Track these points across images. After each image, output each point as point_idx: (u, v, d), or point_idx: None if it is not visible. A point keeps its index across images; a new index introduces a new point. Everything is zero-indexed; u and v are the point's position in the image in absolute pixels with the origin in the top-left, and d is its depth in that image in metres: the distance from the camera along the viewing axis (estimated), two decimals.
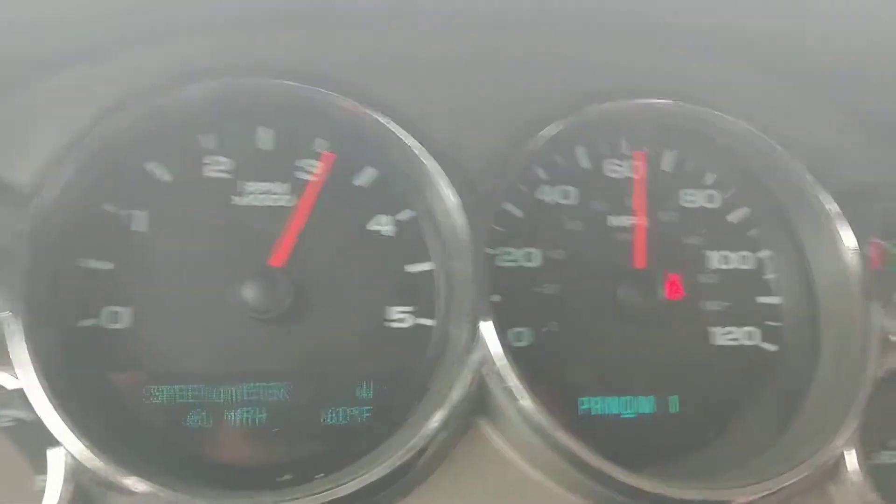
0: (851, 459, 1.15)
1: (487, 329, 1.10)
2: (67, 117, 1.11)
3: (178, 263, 1.16)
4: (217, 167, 1.20)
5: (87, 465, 0.98)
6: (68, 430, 0.98)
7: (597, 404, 1.24)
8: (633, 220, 1.28)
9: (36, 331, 1.03)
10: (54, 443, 0.99)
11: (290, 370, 1.16)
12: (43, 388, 0.99)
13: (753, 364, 1.29)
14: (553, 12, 1.23)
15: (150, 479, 0.98)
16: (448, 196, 1.15)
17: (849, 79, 1.25)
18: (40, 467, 1.03)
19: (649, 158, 1.32)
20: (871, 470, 1.17)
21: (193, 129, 1.19)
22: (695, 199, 1.32)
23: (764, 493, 1.10)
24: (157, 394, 1.12)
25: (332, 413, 1.16)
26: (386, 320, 1.19)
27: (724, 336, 1.29)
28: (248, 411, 1.14)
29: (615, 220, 1.29)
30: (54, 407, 0.99)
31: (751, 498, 1.10)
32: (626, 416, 1.24)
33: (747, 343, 1.29)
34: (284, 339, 1.16)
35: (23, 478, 1.06)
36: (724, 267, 1.31)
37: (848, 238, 1.24)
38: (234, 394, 1.14)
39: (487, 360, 1.09)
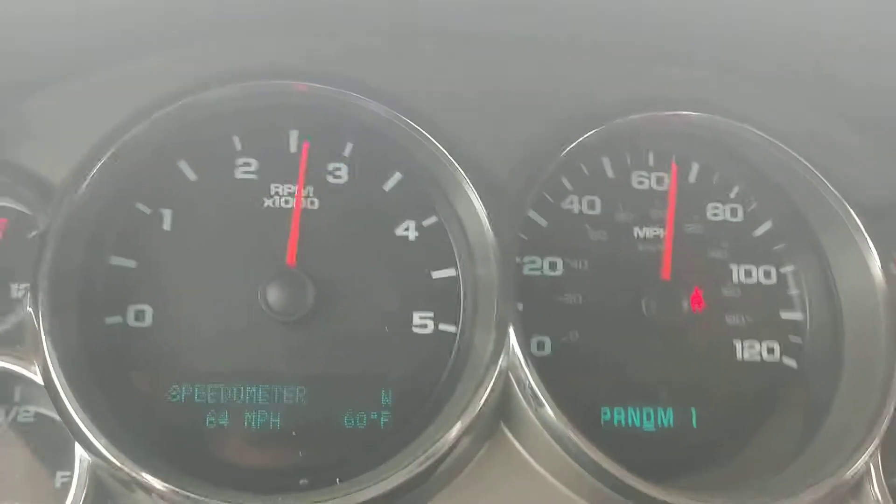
0: (874, 477, 1.14)
1: (512, 337, 1.10)
2: (103, 115, 1.12)
3: (204, 263, 1.17)
4: (247, 169, 1.20)
5: (108, 462, 0.98)
6: (89, 428, 0.98)
7: (618, 415, 1.23)
8: (659, 232, 1.28)
9: (59, 327, 1.03)
10: (75, 439, 0.99)
11: (312, 373, 1.16)
12: (64, 384, 1.00)
13: (774, 379, 1.29)
14: (582, 25, 1.23)
15: (169, 479, 0.98)
16: (474, 203, 1.15)
17: (876, 95, 1.24)
18: (60, 463, 1.04)
19: (677, 170, 1.32)
20: (893, 488, 1.17)
21: (228, 130, 1.20)
22: (719, 212, 1.32)
23: None
24: (177, 393, 1.13)
25: (351, 417, 1.16)
26: (410, 325, 1.19)
27: (746, 350, 1.28)
28: (267, 413, 1.14)
29: (640, 232, 1.29)
30: (75, 404, 0.99)
31: None
32: (647, 428, 1.24)
33: (769, 358, 1.29)
34: (307, 342, 1.17)
35: (42, 474, 1.07)
36: (747, 281, 1.31)
37: (874, 255, 1.23)
38: (254, 395, 1.14)
39: (511, 367, 1.09)
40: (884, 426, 1.14)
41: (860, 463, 1.12)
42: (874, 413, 1.15)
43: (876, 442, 1.13)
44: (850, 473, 1.12)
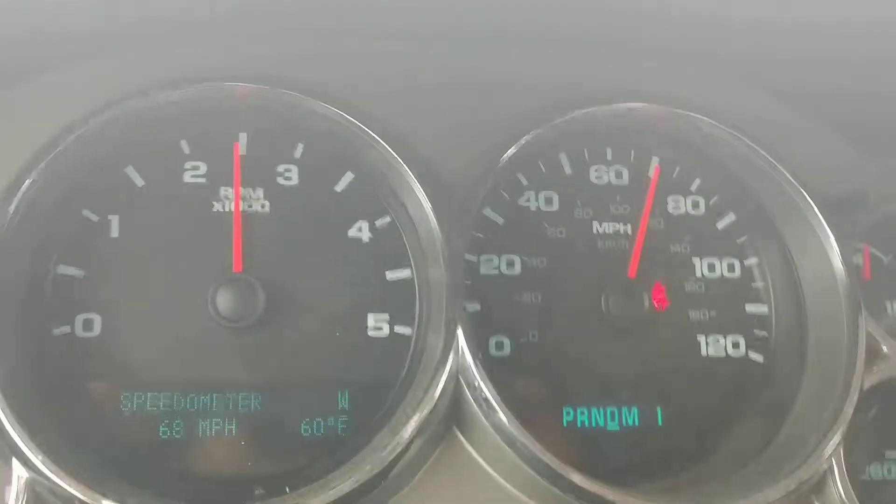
0: (837, 473, 1.12)
1: (461, 337, 1.07)
2: (45, 121, 1.10)
3: (153, 270, 1.15)
4: (196, 172, 1.19)
5: (44, 478, 0.96)
6: (25, 443, 0.96)
7: (581, 415, 1.21)
8: (619, 227, 1.27)
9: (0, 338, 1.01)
10: (12, 454, 0.97)
11: (267, 379, 1.14)
12: (2, 398, 0.98)
13: (740, 375, 1.26)
14: (534, 23, 1.21)
15: (112, 496, 0.96)
16: (423, 202, 1.13)
17: (834, 87, 1.24)
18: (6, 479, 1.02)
19: (634, 164, 1.30)
20: (858, 485, 1.15)
21: (175, 134, 1.19)
22: (681, 205, 1.30)
23: None
24: (127, 403, 1.10)
25: (308, 424, 1.13)
26: (365, 328, 1.17)
27: (711, 346, 1.26)
28: (221, 421, 1.12)
29: (599, 227, 1.27)
30: (10, 417, 0.97)
31: None
32: (611, 428, 1.21)
33: (734, 353, 1.26)
34: (260, 348, 1.14)
35: None
36: (710, 275, 1.29)
37: (834, 245, 1.21)
38: (207, 403, 1.12)
39: (461, 369, 1.07)
40: (847, 422, 1.12)
41: (823, 459, 1.10)
42: (837, 408, 1.13)
43: (838, 437, 1.11)
44: (812, 470, 1.10)
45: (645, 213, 1.26)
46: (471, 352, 1.07)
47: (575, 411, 1.21)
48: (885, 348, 1.20)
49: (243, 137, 1.20)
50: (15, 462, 0.97)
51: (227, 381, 1.13)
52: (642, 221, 1.26)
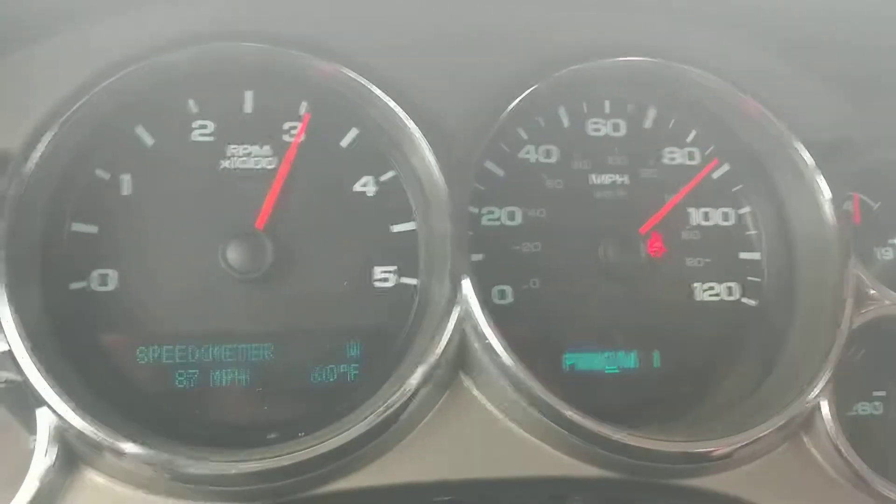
0: (825, 410, 1.16)
1: (467, 286, 1.11)
2: (57, 81, 1.12)
3: (164, 226, 1.18)
4: (203, 131, 1.21)
5: (74, 426, 1.00)
6: (54, 392, 1.00)
7: (581, 360, 1.25)
8: (615, 178, 1.30)
9: (21, 295, 1.04)
10: (41, 404, 1.00)
11: (278, 330, 1.18)
12: (27, 350, 1.01)
13: (735, 319, 1.30)
14: None
15: (136, 440, 1.00)
16: (427, 156, 1.16)
17: (824, 35, 1.25)
18: (33, 428, 1.06)
19: (631, 117, 1.33)
20: (846, 421, 1.20)
21: (183, 93, 1.21)
22: (676, 156, 1.33)
23: (739, 445, 1.11)
24: (143, 355, 1.14)
25: (319, 371, 1.18)
26: (371, 280, 1.21)
27: (706, 292, 1.30)
28: (234, 371, 1.16)
29: (597, 179, 1.30)
30: (40, 369, 1.00)
31: (726, 449, 1.11)
32: (610, 371, 1.26)
33: (728, 298, 1.31)
34: (270, 300, 1.18)
35: (17, 438, 1.09)
36: (705, 223, 1.32)
37: (825, 192, 1.24)
38: (220, 354, 1.16)
39: (468, 316, 1.11)
40: (835, 361, 1.17)
41: (811, 396, 1.15)
42: (825, 348, 1.17)
43: (827, 376, 1.16)
44: (801, 408, 1.15)
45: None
46: (478, 300, 1.10)
47: (575, 356, 1.25)
48: (872, 291, 1.24)
49: (249, 95, 1.23)
50: (43, 411, 1.01)
51: (238, 333, 1.17)
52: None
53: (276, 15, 1.20)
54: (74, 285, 1.14)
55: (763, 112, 1.26)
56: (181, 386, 1.15)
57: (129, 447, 1.00)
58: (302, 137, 1.22)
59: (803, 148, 1.25)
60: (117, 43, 1.15)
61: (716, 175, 1.34)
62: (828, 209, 1.24)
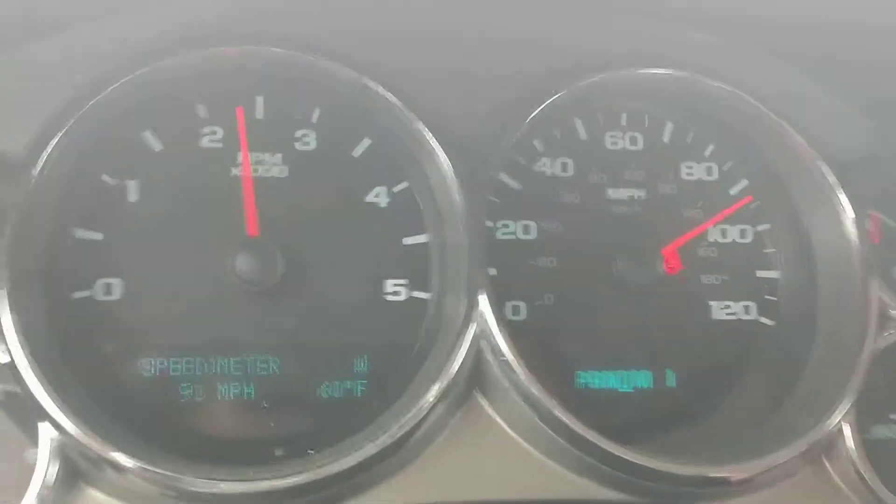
0: (847, 434, 1.14)
1: (484, 302, 1.09)
2: (63, 84, 1.09)
3: (172, 234, 1.15)
4: (213, 137, 1.18)
5: (75, 440, 0.97)
6: (56, 405, 0.97)
7: (594, 378, 1.23)
8: (633, 193, 1.27)
9: (24, 304, 1.01)
10: (43, 417, 0.98)
11: (285, 343, 1.15)
12: (30, 362, 0.98)
13: (751, 338, 1.29)
14: None
15: (139, 455, 0.97)
16: (443, 167, 1.13)
17: (847, 52, 1.23)
18: (33, 441, 1.03)
19: (648, 130, 1.30)
20: (867, 445, 1.17)
21: (191, 98, 1.18)
22: (694, 171, 1.31)
23: (761, 470, 1.09)
24: (148, 367, 1.11)
25: (327, 386, 1.15)
26: (382, 293, 1.18)
27: (722, 310, 1.28)
28: (240, 384, 1.13)
29: (613, 193, 1.27)
30: (42, 382, 0.97)
31: (747, 474, 1.09)
32: (624, 390, 1.23)
33: (745, 317, 1.28)
34: (278, 312, 1.16)
35: (16, 451, 1.05)
36: (722, 240, 1.30)
37: (847, 210, 1.22)
38: (226, 367, 1.13)
39: (484, 333, 1.08)
40: (858, 383, 1.14)
41: (834, 421, 1.13)
42: (848, 370, 1.15)
43: (850, 399, 1.14)
44: (824, 432, 1.12)
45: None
46: (494, 316, 1.08)
47: (588, 374, 1.23)
48: (894, 313, 1.21)
49: (259, 101, 1.20)
50: (44, 426, 0.98)
51: (245, 345, 1.14)
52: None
53: (288, 20, 1.17)
54: (78, 294, 1.11)
55: (785, 128, 1.24)
56: (186, 399, 1.12)
57: (132, 462, 0.97)
58: (312, 146, 1.20)
59: (825, 165, 1.23)
60: (124, 46, 1.12)
61: (734, 191, 1.32)
62: (850, 228, 1.22)
